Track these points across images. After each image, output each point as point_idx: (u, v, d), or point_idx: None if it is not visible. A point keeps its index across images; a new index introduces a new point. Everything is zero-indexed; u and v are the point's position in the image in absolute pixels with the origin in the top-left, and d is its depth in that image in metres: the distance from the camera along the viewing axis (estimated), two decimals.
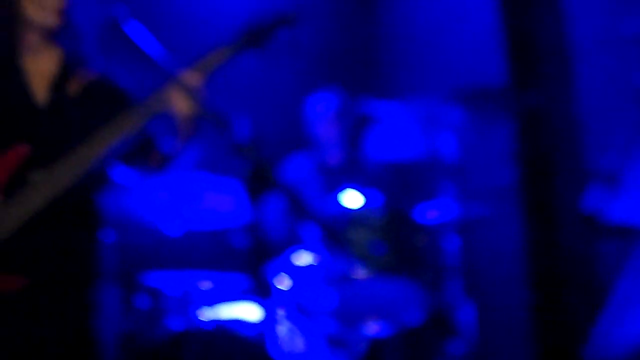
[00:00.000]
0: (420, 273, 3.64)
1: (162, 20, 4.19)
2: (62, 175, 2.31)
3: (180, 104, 2.34)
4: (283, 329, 3.57)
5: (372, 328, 3.54)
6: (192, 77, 2.36)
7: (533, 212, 4.00)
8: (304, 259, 3.68)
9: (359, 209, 3.65)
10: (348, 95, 4.20)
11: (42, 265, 2.33)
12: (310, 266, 3.63)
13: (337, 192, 3.73)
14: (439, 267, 3.83)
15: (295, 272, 3.63)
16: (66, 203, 2.35)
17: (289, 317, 3.58)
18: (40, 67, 2.43)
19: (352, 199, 3.67)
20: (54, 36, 2.44)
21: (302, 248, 3.75)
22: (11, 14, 2.37)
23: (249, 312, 3.55)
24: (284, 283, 3.62)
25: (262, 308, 3.46)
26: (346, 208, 3.65)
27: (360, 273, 3.59)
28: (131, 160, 2.52)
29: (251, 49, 2.43)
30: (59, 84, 2.42)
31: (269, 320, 3.44)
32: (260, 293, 3.57)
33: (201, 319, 3.47)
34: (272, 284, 3.62)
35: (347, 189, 3.73)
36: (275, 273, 3.65)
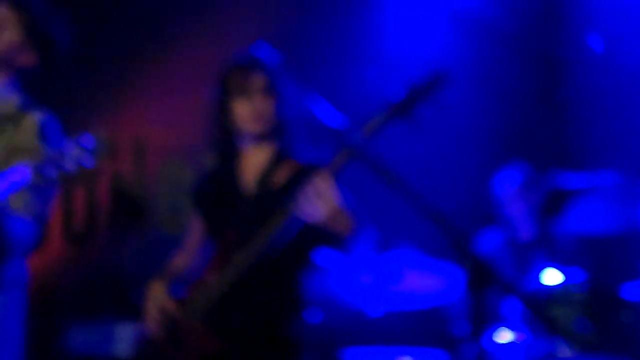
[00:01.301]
0: (627, 351, 3.53)
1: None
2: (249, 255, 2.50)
3: (313, 210, 2.35)
4: None
5: None
6: (322, 180, 2.35)
7: None
8: (505, 336, 3.67)
9: (559, 285, 3.60)
10: (534, 169, 4.18)
11: (244, 333, 2.56)
12: (512, 344, 3.61)
13: (532, 268, 3.70)
14: None
15: (498, 351, 3.62)
16: (271, 280, 2.58)
17: None
18: (252, 162, 2.71)
19: (551, 275, 3.63)
20: (265, 137, 2.70)
21: (503, 326, 3.73)
22: (228, 126, 2.70)
23: None
24: None
25: None
26: (545, 285, 3.62)
27: (565, 352, 3.53)
28: (326, 242, 2.62)
29: (399, 121, 2.38)
30: (266, 175, 2.67)
31: None
32: None
33: None
34: None
35: (545, 265, 3.70)
36: (478, 350, 3.64)
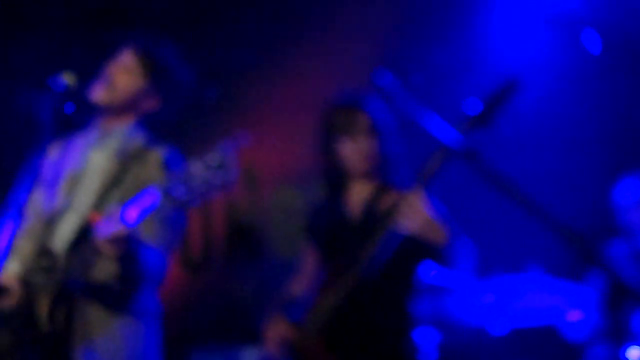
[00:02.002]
0: None
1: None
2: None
3: (408, 222, 2.48)
4: None
5: None
6: (413, 192, 2.49)
7: None
8: (636, 353, 3.52)
9: None
10: None
11: (359, 352, 2.64)
12: None
13: None
14: None
15: None
16: (379, 299, 2.64)
17: None
18: (358, 195, 2.81)
19: None
20: (368, 174, 2.79)
21: (634, 342, 3.58)
22: (334, 162, 2.80)
23: None
24: None
25: None
26: None
27: None
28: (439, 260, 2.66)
29: (479, 130, 2.45)
30: (371, 204, 2.76)
31: None
32: None
33: None
34: None
35: None
36: None
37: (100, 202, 2.65)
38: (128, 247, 2.40)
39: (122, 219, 2.35)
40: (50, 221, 2.69)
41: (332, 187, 2.85)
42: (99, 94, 2.78)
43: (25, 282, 2.56)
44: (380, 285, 2.62)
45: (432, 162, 2.50)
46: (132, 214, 2.34)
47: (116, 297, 2.64)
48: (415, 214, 2.46)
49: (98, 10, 4.36)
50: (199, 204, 2.25)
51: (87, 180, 2.73)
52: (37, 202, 2.76)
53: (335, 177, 2.82)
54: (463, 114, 2.47)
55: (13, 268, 2.62)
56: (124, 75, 2.80)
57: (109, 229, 2.36)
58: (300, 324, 2.70)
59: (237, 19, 4.44)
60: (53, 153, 2.85)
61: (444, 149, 2.47)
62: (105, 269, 2.57)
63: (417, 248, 2.58)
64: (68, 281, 2.50)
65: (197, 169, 2.23)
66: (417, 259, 2.69)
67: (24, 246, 2.68)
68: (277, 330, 2.72)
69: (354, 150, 2.74)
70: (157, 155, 2.73)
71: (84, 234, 2.51)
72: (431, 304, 3.64)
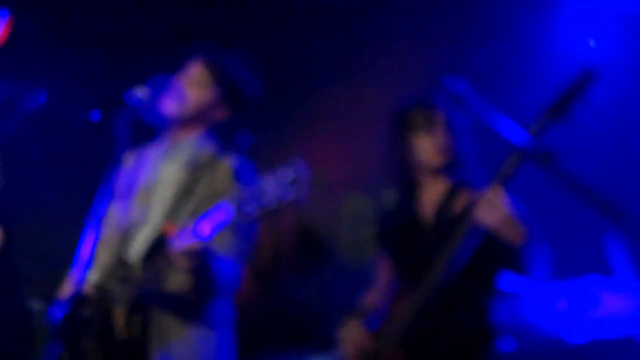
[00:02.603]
0: None
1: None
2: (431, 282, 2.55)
3: (486, 217, 2.45)
4: None
5: None
6: (492, 189, 2.46)
7: None
8: None
9: None
10: None
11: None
12: None
13: None
14: None
15: None
16: (456, 305, 2.61)
17: None
18: (430, 195, 2.79)
19: None
20: (442, 170, 2.77)
21: None
22: (407, 160, 2.79)
23: None
24: None
25: None
26: None
27: None
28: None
29: (557, 123, 2.44)
30: (444, 206, 2.74)
31: None
32: None
33: None
34: None
35: None
36: None
37: (173, 212, 2.70)
38: (201, 260, 2.44)
39: (196, 233, 2.38)
40: (126, 233, 2.75)
41: (403, 187, 2.83)
42: (170, 107, 2.83)
43: (104, 291, 2.62)
44: (459, 291, 2.59)
45: (509, 163, 2.48)
46: (206, 227, 2.37)
47: (190, 307, 2.68)
48: (495, 209, 2.43)
49: (170, 26, 4.42)
50: (270, 218, 2.27)
51: (160, 192, 2.79)
52: (113, 213, 2.83)
53: (408, 176, 2.80)
54: (539, 111, 2.45)
55: (94, 278, 2.70)
56: (194, 87, 2.85)
57: (182, 242, 2.40)
58: (377, 332, 2.68)
59: (304, 30, 4.45)
60: (128, 165, 2.91)
61: (520, 151, 2.46)
62: (178, 280, 2.62)
63: (494, 251, 2.54)
64: (143, 291, 2.56)
65: (270, 184, 2.24)
66: (495, 262, 2.65)
67: (103, 257, 2.76)
68: (353, 338, 2.70)
69: (430, 144, 2.74)
70: (226, 164, 2.77)
71: (158, 245, 2.55)
72: (505, 311, 3.58)
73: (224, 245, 2.62)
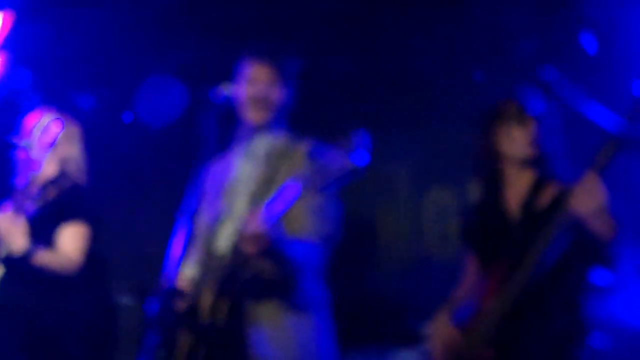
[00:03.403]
0: None
1: None
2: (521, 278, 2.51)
3: (581, 206, 2.40)
4: None
5: None
6: (589, 176, 2.41)
7: None
8: None
9: None
10: None
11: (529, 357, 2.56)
12: None
13: None
14: None
15: None
16: (548, 303, 2.57)
17: None
18: (516, 188, 2.75)
19: None
20: (527, 164, 2.74)
21: None
22: (492, 152, 2.76)
23: None
24: None
25: None
26: None
27: None
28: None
29: None
30: (530, 200, 2.70)
31: None
32: None
33: None
34: None
35: None
36: None
37: (256, 204, 2.72)
38: (269, 244, 2.48)
39: (263, 218, 2.43)
40: (215, 228, 2.82)
41: (488, 179, 2.80)
42: (259, 116, 2.88)
43: (196, 285, 2.71)
44: (549, 287, 2.55)
45: (604, 151, 2.43)
46: (273, 210, 2.43)
47: (279, 291, 2.71)
48: (591, 198, 2.39)
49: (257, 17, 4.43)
50: (335, 190, 2.30)
51: (242, 188, 2.85)
52: (204, 210, 2.90)
53: (494, 167, 2.78)
54: (633, 98, 2.41)
55: (187, 273, 2.78)
56: (272, 89, 2.87)
57: (249, 229, 2.46)
58: (466, 329, 2.66)
59: (393, 20, 4.41)
60: (215, 163, 2.97)
61: (615, 140, 2.41)
62: (261, 267, 2.65)
63: (585, 246, 2.50)
64: (229, 277, 2.62)
65: (331, 156, 2.30)
66: (585, 258, 2.59)
67: (195, 252, 2.83)
68: (442, 334, 2.69)
69: (521, 135, 2.71)
70: (301, 150, 2.81)
71: None
72: (596, 307, 3.50)
73: (301, 226, 2.66)
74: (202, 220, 2.88)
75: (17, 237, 3.29)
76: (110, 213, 3.93)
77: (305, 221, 2.64)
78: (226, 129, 2.87)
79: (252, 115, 2.87)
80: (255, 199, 2.75)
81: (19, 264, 3.32)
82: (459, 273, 2.95)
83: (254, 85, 2.86)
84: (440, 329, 2.71)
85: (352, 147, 2.27)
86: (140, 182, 4.81)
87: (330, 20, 4.38)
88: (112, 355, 4.41)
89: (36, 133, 3.52)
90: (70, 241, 3.41)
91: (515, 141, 2.72)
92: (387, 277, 4.55)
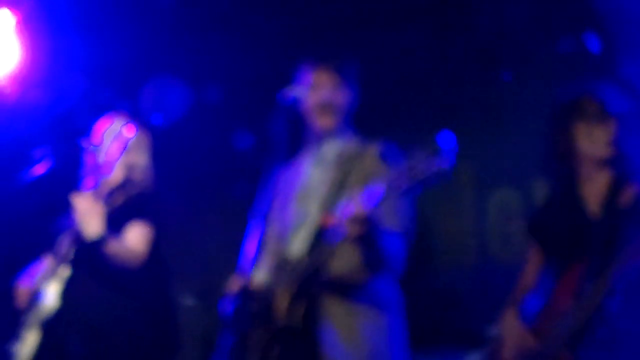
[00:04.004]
0: None
1: None
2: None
3: None
4: None
5: None
6: None
7: None
8: None
9: None
10: None
11: None
12: None
13: None
14: None
15: None
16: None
17: None
18: (593, 188, 2.71)
19: None
20: (605, 163, 2.70)
21: None
22: (569, 150, 2.72)
23: None
24: None
25: None
26: None
27: None
28: None
29: None
30: (611, 201, 2.65)
31: None
32: None
33: None
34: None
35: None
36: None
37: (329, 207, 2.74)
38: (368, 228, 2.46)
39: (362, 201, 2.42)
40: (287, 234, 2.84)
41: (562, 178, 2.76)
42: (326, 122, 2.90)
43: (270, 288, 2.73)
44: (633, 293, 2.49)
45: None
46: (368, 199, 2.43)
47: (356, 291, 2.71)
48: None
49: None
50: (420, 191, 2.31)
51: (314, 192, 2.86)
52: (275, 215, 2.92)
53: (569, 166, 2.74)
54: None
55: (259, 276, 2.80)
56: (336, 94, 2.88)
57: (350, 209, 2.44)
58: (538, 329, 2.62)
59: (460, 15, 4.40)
60: (285, 168, 2.99)
61: None
62: (342, 266, 2.67)
63: None
64: (305, 279, 2.64)
65: (417, 157, 2.28)
66: None
67: (267, 257, 2.85)
68: (514, 334, 2.65)
69: (601, 135, 2.67)
70: (373, 151, 2.82)
71: (318, 238, 2.64)
72: None
73: (388, 220, 2.64)
74: (274, 225, 2.90)
75: (95, 220, 3.30)
76: (174, 217, 3.97)
77: (388, 214, 2.63)
78: (295, 133, 2.89)
79: (320, 121, 2.88)
80: (327, 202, 2.76)
81: (90, 253, 3.33)
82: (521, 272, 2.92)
83: (318, 92, 2.87)
84: (510, 328, 2.67)
85: (437, 148, 2.26)
86: (204, 185, 4.86)
87: (387, 19, 4.38)
88: (175, 355, 4.45)
89: (107, 138, 3.58)
90: (135, 236, 3.43)
91: (596, 141, 2.68)
92: (449, 278, 4.52)
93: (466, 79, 4.45)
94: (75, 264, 3.42)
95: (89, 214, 3.30)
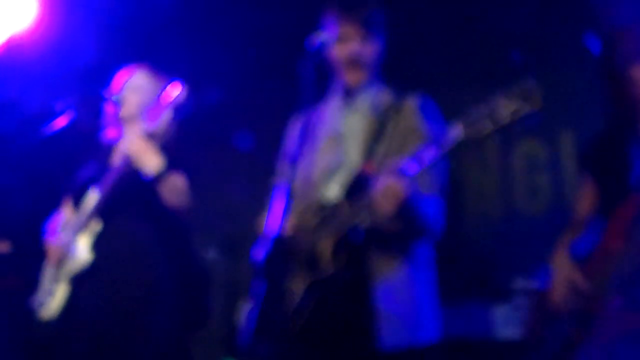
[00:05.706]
0: None
1: None
2: None
3: None
4: None
5: None
6: None
7: None
8: None
9: None
10: None
11: None
12: None
13: None
14: None
15: None
16: None
17: None
18: None
19: None
20: None
21: None
22: (629, 93, 2.60)
23: None
24: None
25: None
26: None
27: None
28: None
29: None
30: None
31: None
32: None
33: None
34: None
35: None
36: None
37: (368, 155, 2.71)
38: (405, 202, 2.41)
39: (399, 172, 2.38)
40: (319, 179, 2.79)
41: (621, 115, 2.65)
42: (356, 77, 2.82)
43: (306, 231, 2.68)
44: None
45: None
46: (410, 166, 2.38)
47: (396, 245, 2.66)
48: None
49: None
50: (498, 134, 2.27)
51: (349, 140, 2.80)
52: (302, 162, 2.85)
53: (627, 106, 2.62)
54: None
55: (293, 221, 2.73)
56: (365, 47, 2.80)
57: (384, 182, 2.40)
58: (589, 268, 2.53)
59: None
60: (309, 114, 2.92)
61: None
62: (380, 219, 2.59)
63: None
64: (349, 227, 2.58)
65: (501, 100, 2.21)
66: None
67: (298, 202, 2.77)
68: (565, 272, 2.57)
69: None
70: (410, 105, 2.77)
71: (359, 185, 2.58)
72: None
73: (425, 183, 2.60)
74: (302, 169, 2.83)
75: (152, 156, 3.30)
76: (196, 169, 3.95)
77: (425, 176, 2.57)
78: (320, 79, 2.83)
79: (349, 76, 2.82)
80: (366, 150, 2.72)
81: (143, 192, 3.31)
82: (548, 228, 2.85)
83: (345, 45, 2.79)
84: (561, 269, 2.59)
85: (523, 91, 2.17)
86: (222, 138, 4.83)
87: None
88: (202, 307, 4.44)
89: (128, 89, 3.54)
90: (180, 181, 3.39)
91: None
92: (475, 232, 4.48)
93: (492, 31, 4.38)
94: (117, 209, 3.38)
95: (145, 152, 3.30)
